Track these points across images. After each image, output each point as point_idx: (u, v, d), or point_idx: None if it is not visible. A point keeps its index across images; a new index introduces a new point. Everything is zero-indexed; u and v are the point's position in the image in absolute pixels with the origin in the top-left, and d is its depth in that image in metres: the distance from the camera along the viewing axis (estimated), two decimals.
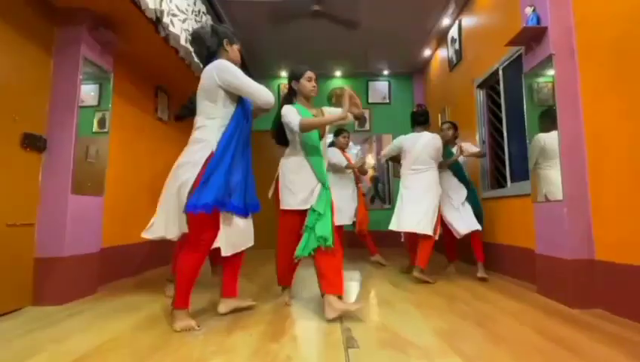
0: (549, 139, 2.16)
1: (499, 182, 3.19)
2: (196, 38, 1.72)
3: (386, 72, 5.54)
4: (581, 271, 1.93)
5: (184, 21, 2.78)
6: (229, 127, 1.65)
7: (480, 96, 3.44)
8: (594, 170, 1.97)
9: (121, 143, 2.80)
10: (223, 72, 1.60)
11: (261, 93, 1.63)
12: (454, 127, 3.20)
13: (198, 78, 1.73)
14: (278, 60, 5.23)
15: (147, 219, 1.82)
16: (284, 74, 5.55)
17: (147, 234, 1.73)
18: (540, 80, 2.26)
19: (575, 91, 2.08)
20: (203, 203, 1.50)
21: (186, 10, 2.82)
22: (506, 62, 2.91)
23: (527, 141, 2.36)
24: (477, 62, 3.47)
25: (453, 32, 4.04)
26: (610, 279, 1.82)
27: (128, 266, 2.83)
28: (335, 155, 3.48)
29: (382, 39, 4.48)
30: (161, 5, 2.36)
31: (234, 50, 1.79)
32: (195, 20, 3.02)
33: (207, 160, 1.57)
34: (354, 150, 5.35)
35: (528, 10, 2.27)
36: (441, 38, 4.45)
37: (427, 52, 4.87)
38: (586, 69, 2.04)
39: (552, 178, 2.12)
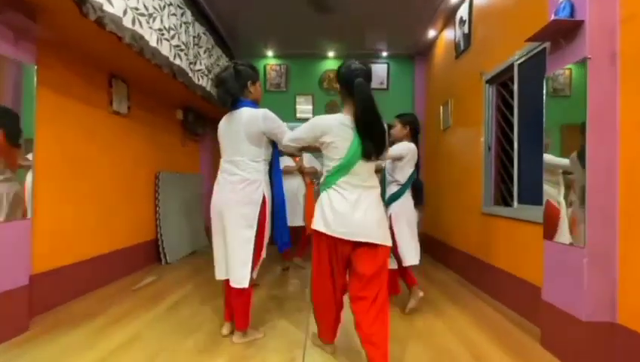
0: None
1: (504, 198, 2.78)
2: (221, 84, 1.79)
3: (385, 53, 4.94)
4: (598, 336, 1.58)
5: None
6: (276, 166, 1.88)
7: (489, 93, 2.94)
8: (626, 214, 1.56)
9: (60, 148, 2.37)
10: (270, 121, 1.77)
11: (284, 139, 1.76)
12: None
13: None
14: (265, 39, 4.63)
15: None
16: (270, 53, 4.97)
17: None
18: (566, 88, 1.79)
19: (613, 109, 1.62)
20: (287, 240, 1.91)
21: None
22: (524, 58, 2.40)
23: (544, 160, 1.93)
24: (488, 53, 2.93)
25: (463, 12, 3.44)
26: (634, 350, 1.48)
27: (70, 289, 2.48)
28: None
29: (381, 16, 3.88)
30: None
31: (257, 88, 1.88)
32: None
33: (263, 199, 1.77)
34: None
35: None
36: (449, 17, 3.84)
37: (432, 32, 4.26)
38: (629, 80, 1.57)
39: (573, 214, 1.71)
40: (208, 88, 3.74)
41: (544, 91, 1.93)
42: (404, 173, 2.29)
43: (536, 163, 2.15)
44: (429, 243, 4.56)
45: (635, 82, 1.54)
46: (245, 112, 1.76)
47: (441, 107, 4.05)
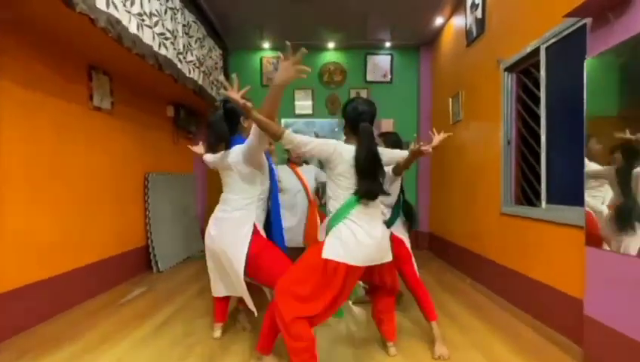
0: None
1: (527, 197, 2.53)
2: (210, 129, 1.82)
3: (388, 44, 4.66)
4: None
5: None
6: (274, 200, 1.86)
7: (508, 81, 2.67)
8: None
9: (29, 148, 2.09)
10: (241, 154, 1.68)
11: (252, 141, 1.59)
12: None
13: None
14: (260, 29, 4.33)
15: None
16: (267, 45, 4.67)
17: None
18: (616, 71, 1.53)
19: None
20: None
21: None
22: (553, 39, 2.14)
23: (585, 156, 1.67)
24: (507, 37, 2.67)
25: None
26: None
27: (45, 307, 2.19)
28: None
29: (384, 3, 3.60)
30: None
31: (250, 122, 1.71)
32: None
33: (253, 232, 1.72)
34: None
35: None
36: (458, 2, 3.57)
37: (439, 20, 3.99)
38: None
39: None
40: (200, 81, 3.46)
41: (584, 76, 1.67)
42: (392, 193, 1.99)
43: (568, 159, 1.91)
44: (435, 244, 4.33)
45: None
46: (234, 151, 1.73)
47: (450, 100, 3.78)
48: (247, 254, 1.65)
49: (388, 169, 1.80)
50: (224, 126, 1.75)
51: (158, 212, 3.55)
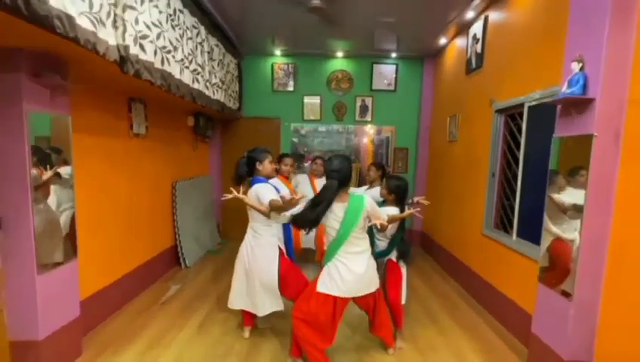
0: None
1: (503, 224, 3.01)
2: (236, 170, 2.50)
3: (394, 55, 4.90)
4: None
5: (159, 37, 2.26)
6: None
7: (498, 121, 3.05)
8: (611, 278, 1.80)
9: (91, 181, 2.50)
10: (255, 195, 2.28)
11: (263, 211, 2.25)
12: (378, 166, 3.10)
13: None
14: (272, 36, 4.53)
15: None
16: (278, 52, 4.90)
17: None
18: (572, 154, 1.94)
19: (610, 184, 1.79)
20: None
21: (159, 22, 2.27)
22: (535, 102, 2.51)
23: (545, 207, 2.11)
24: (500, 81, 3.00)
25: (477, 29, 3.44)
26: None
27: (107, 308, 2.74)
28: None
29: (392, 24, 3.83)
30: (124, 38, 1.87)
31: (265, 165, 2.43)
32: (172, 26, 2.47)
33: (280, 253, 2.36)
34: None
35: (575, 66, 1.85)
36: (461, 28, 3.82)
37: (443, 40, 4.24)
38: (629, 160, 1.72)
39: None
40: (222, 99, 3.78)
41: (551, 149, 2.08)
42: (391, 226, 2.34)
43: (538, 202, 2.34)
44: (427, 243, 4.86)
45: (634, 163, 1.70)
46: (252, 191, 2.30)
47: (449, 118, 4.14)
48: (279, 273, 2.26)
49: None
50: (244, 169, 2.45)
51: (184, 214, 4.01)
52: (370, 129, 7.17)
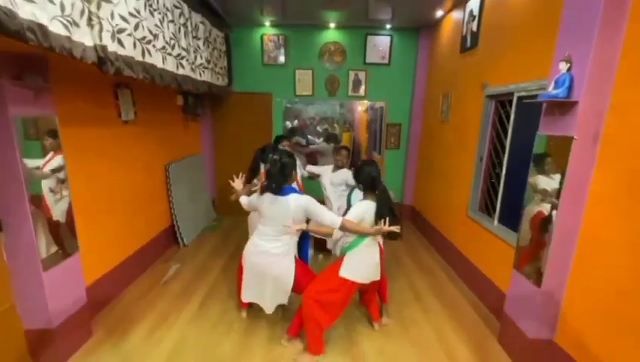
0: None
1: (487, 208, 3.14)
2: (271, 180, 2.14)
3: (388, 26, 4.70)
4: (539, 349, 2.11)
5: (137, 27, 2.15)
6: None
7: (489, 106, 3.05)
8: (578, 269, 1.96)
9: (85, 173, 2.52)
10: (312, 210, 2.11)
11: (345, 221, 2.09)
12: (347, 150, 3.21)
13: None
14: (260, 6, 4.29)
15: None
16: (267, 23, 4.66)
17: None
18: (551, 152, 2.01)
19: (585, 184, 1.88)
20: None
21: (137, 12, 2.16)
22: (524, 93, 2.50)
23: (525, 201, 2.22)
24: (493, 66, 2.96)
25: (474, 4, 3.29)
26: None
27: (112, 291, 2.91)
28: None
29: None
30: (100, 37, 1.79)
31: (294, 173, 2.27)
32: (151, 12, 2.34)
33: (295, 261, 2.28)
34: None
35: (563, 66, 1.85)
36: (458, 2, 3.65)
37: (440, 12, 4.05)
38: (605, 162, 1.80)
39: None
40: (210, 79, 3.68)
41: (534, 145, 2.13)
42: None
43: (519, 191, 2.44)
44: (416, 218, 5.05)
45: (607, 166, 1.78)
46: (292, 200, 2.11)
47: (442, 97, 4.10)
48: (295, 279, 2.23)
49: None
50: (282, 177, 2.12)
51: (179, 195, 4.09)
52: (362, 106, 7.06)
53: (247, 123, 5.07)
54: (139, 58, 2.19)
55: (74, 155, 2.36)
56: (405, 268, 3.65)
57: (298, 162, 3.43)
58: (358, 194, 3.01)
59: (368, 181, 2.20)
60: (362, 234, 2.16)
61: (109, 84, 2.81)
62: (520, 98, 2.57)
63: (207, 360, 2.25)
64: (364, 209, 2.16)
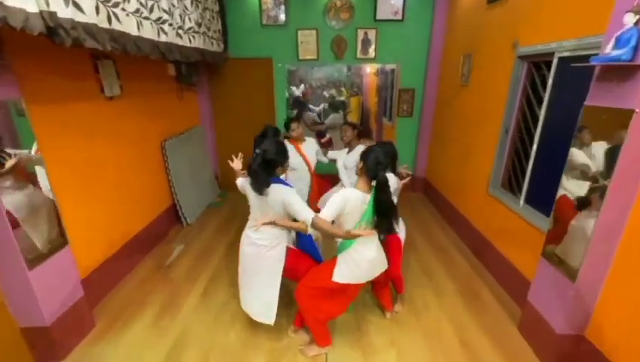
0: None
1: (511, 184, 2.84)
2: (254, 178, 1.88)
3: None
4: (567, 344, 1.94)
5: None
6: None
7: (519, 69, 2.64)
8: (619, 264, 1.71)
9: (66, 156, 2.30)
10: (290, 205, 1.87)
11: (317, 220, 1.79)
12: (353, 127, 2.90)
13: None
14: None
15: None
16: None
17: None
18: (603, 127, 1.67)
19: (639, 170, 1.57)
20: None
21: None
22: (567, 53, 2.10)
23: (561, 182, 1.93)
24: (527, 20, 2.50)
25: None
26: (592, 359, 1.86)
27: (114, 277, 2.82)
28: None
29: None
30: (47, 1, 1.46)
31: (284, 169, 2.02)
32: None
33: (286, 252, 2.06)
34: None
35: (629, 19, 1.46)
36: None
37: None
38: None
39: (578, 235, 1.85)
40: (202, 45, 3.30)
41: (579, 118, 1.79)
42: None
43: (553, 170, 2.14)
44: (429, 191, 4.79)
45: None
46: (272, 192, 1.88)
47: (462, 57, 3.64)
48: (284, 268, 2.04)
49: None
50: (266, 175, 1.86)
51: (179, 172, 3.89)
52: (372, 68, 6.51)
53: (248, 90, 4.70)
54: (104, 25, 1.85)
55: (51, 140, 2.13)
56: (417, 245, 3.47)
57: (315, 147, 3.08)
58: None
59: (371, 166, 1.75)
60: (335, 236, 1.85)
61: (85, 56, 2.49)
62: (562, 59, 2.17)
63: (212, 351, 2.17)
64: (343, 198, 1.75)
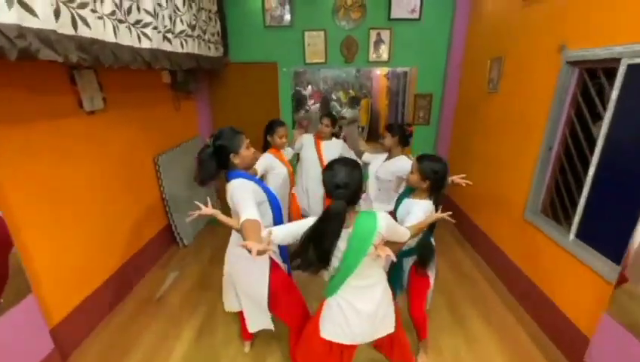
0: None
1: (554, 211, 2.43)
2: (201, 166, 1.73)
3: None
4: None
5: None
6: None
7: (567, 76, 2.23)
8: None
9: (34, 181, 1.97)
10: (231, 198, 1.65)
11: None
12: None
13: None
14: None
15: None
16: None
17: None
18: None
19: None
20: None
21: None
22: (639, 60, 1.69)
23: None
24: (579, 18, 2.09)
25: None
26: None
27: (93, 318, 2.46)
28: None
29: None
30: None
31: (242, 155, 1.74)
32: None
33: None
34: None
35: None
36: None
37: None
38: None
39: None
40: (196, 50, 2.95)
41: None
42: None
43: (622, 202, 1.74)
44: (451, 209, 4.35)
45: None
46: (228, 187, 1.69)
47: (489, 61, 3.22)
48: (269, 289, 1.80)
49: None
50: (212, 166, 1.71)
51: (174, 189, 3.54)
52: (382, 70, 6.12)
53: (251, 97, 4.34)
54: (66, 31, 1.50)
55: (15, 163, 1.80)
56: (439, 273, 3.06)
57: (343, 144, 2.99)
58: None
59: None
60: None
61: (58, 66, 2.14)
62: (633, 67, 1.75)
63: None
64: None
